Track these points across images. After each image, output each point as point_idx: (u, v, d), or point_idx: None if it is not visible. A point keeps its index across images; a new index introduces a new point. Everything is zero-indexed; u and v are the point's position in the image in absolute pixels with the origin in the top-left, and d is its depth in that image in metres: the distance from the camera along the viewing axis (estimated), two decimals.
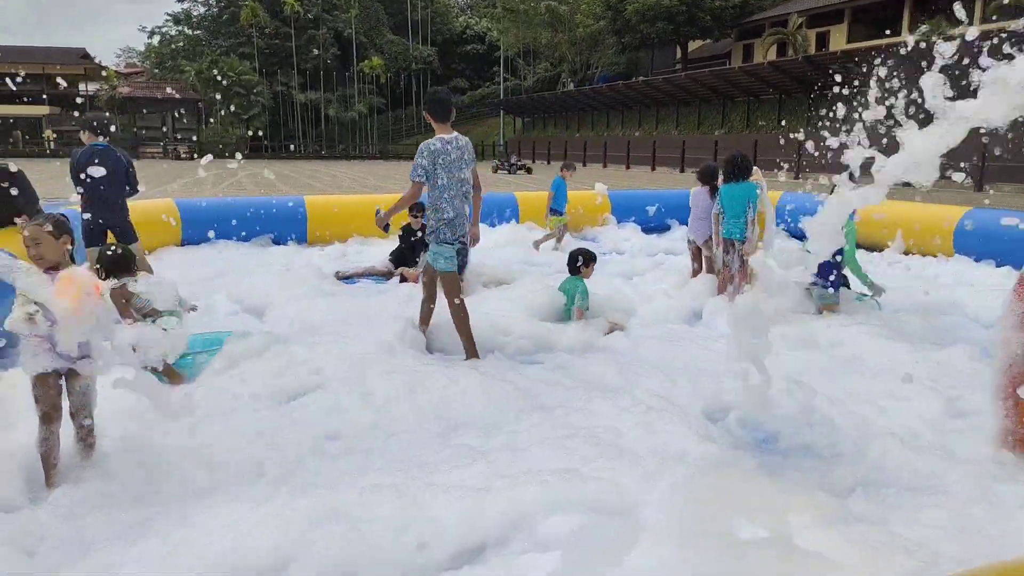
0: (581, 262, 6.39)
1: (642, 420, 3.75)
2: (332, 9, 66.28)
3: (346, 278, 8.19)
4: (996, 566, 1.45)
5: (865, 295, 6.70)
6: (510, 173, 34.90)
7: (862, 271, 6.57)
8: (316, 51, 65.25)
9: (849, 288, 6.59)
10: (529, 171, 35.32)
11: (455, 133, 5.23)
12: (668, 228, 12.55)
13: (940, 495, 3.09)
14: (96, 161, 6.34)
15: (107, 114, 7.05)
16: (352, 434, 3.90)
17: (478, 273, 7.66)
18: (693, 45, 52.45)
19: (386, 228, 5.54)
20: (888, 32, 33.92)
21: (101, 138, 6.59)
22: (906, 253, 9.59)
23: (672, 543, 1.97)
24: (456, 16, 76.37)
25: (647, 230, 12.33)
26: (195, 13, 68.29)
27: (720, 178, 7.14)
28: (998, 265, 8.35)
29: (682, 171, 36.01)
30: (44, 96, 56.59)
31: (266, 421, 4.03)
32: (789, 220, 11.08)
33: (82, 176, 6.11)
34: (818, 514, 2.18)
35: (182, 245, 10.00)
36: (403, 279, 7.90)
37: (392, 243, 8.96)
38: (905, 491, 3.17)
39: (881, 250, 9.68)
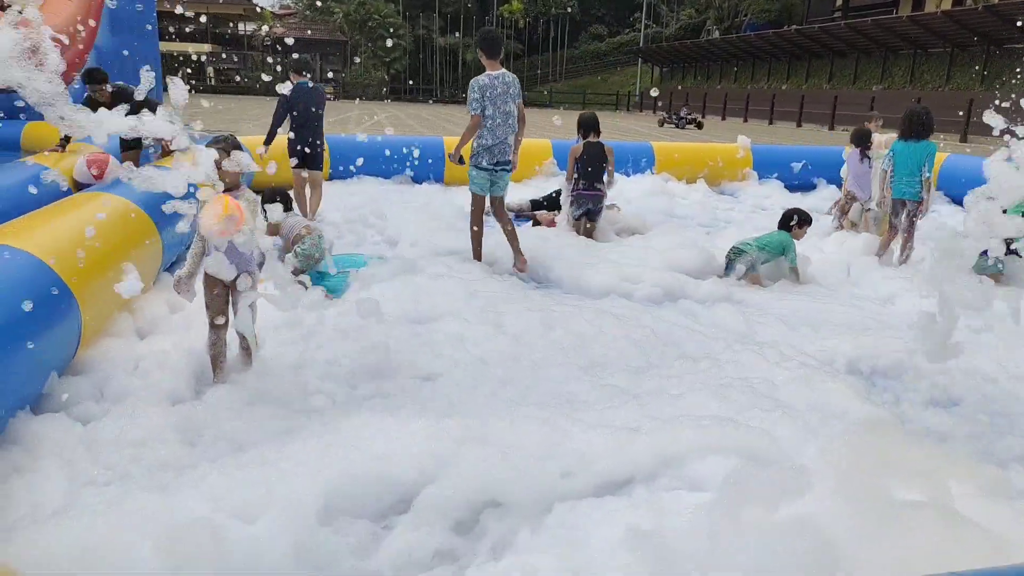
0: (796, 221, 6.21)
1: (798, 375, 3.68)
2: None
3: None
4: None
5: None
6: (678, 127, 31.27)
7: None
8: None
9: (1021, 256, 5.99)
10: (700, 126, 31.99)
11: (502, 69, 5.82)
12: (814, 187, 11.84)
13: None
14: (302, 97, 7.35)
15: (308, 57, 8.01)
16: (497, 362, 4.01)
17: (613, 221, 7.60)
18: None
19: (460, 161, 6.05)
20: None
21: (307, 76, 7.53)
22: None
23: (828, 497, 1.91)
24: None
25: (791, 188, 11.70)
26: None
27: (889, 135, 6.90)
28: None
29: (831, 128, 33.69)
30: (208, 34, 60.25)
31: (403, 342, 4.22)
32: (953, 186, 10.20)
33: (293, 112, 7.25)
34: (982, 484, 2.05)
35: (329, 179, 10.51)
36: (536, 222, 7.96)
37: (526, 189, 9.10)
38: None
39: None
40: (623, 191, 10.34)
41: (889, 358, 4.08)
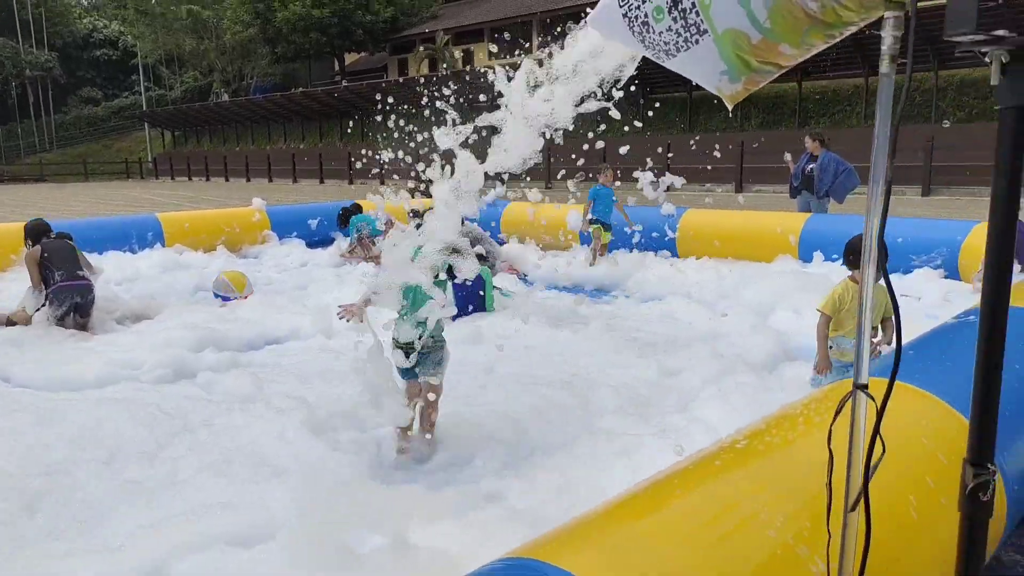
0: None
1: (274, 428, 3.80)
2: None
3: None
4: None
5: (508, 292, 7.37)
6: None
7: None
8: None
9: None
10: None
11: None
12: (332, 240, 12.46)
13: (559, 456, 3.51)
14: None
15: None
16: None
17: (109, 310, 6.77)
18: (351, 58, 52.82)
19: None
20: (523, 51, 37.73)
21: None
22: (545, 249, 10.85)
23: (296, 567, 1.92)
24: (79, 17, 67.03)
25: (311, 244, 12.10)
26: None
27: None
28: None
29: (351, 183, 36.07)
30: None
31: None
32: None
33: None
34: (434, 509, 2.29)
35: None
36: (10, 322, 6.63)
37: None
38: (531, 461, 3.54)
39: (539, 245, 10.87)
40: (131, 272, 9.44)
41: (348, 404, 4.41)
